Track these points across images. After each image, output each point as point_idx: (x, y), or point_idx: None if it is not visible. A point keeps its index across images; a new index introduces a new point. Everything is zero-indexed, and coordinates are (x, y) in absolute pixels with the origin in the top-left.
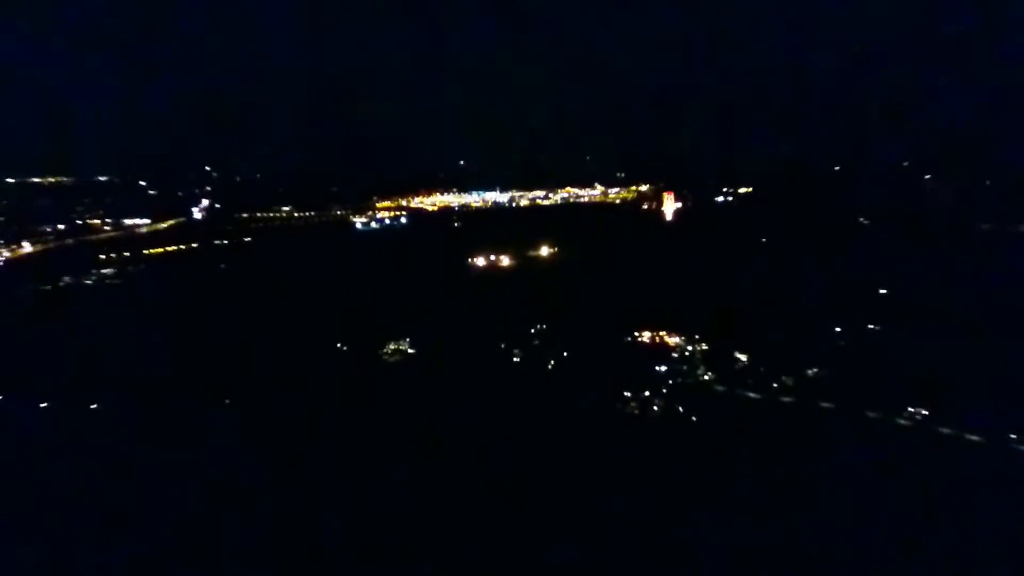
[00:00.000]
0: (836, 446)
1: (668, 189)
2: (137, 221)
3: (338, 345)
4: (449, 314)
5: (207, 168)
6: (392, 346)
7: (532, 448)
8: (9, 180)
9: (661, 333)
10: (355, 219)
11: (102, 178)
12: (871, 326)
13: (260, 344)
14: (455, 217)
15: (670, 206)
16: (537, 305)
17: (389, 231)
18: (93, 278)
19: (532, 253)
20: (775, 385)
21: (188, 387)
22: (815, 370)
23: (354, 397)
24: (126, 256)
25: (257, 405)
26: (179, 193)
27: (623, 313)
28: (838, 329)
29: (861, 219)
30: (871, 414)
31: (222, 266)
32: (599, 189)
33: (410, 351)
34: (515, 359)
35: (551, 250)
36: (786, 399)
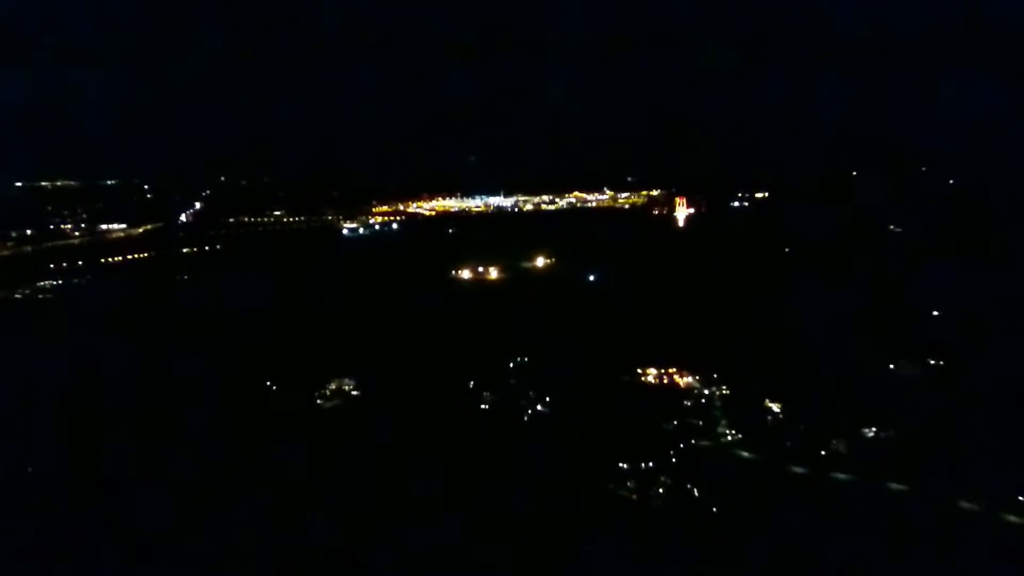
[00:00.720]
0: (919, 550)
1: (680, 194)
2: (112, 226)
3: (267, 383)
4: (413, 341)
5: (216, 171)
6: (333, 385)
7: (484, 555)
8: (17, 184)
9: (670, 371)
10: (345, 224)
11: (110, 181)
12: (933, 361)
13: (165, 379)
14: (451, 222)
15: (682, 212)
16: (520, 330)
17: (375, 238)
18: (26, 291)
19: (524, 264)
20: (822, 452)
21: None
22: (874, 430)
23: (264, 461)
24: (78, 266)
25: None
26: (176, 197)
27: (623, 343)
28: (892, 367)
29: (892, 226)
30: (966, 504)
31: (178, 276)
32: (608, 194)
33: (353, 393)
34: (483, 406)
35: (546, 261)
36: (840, 476)
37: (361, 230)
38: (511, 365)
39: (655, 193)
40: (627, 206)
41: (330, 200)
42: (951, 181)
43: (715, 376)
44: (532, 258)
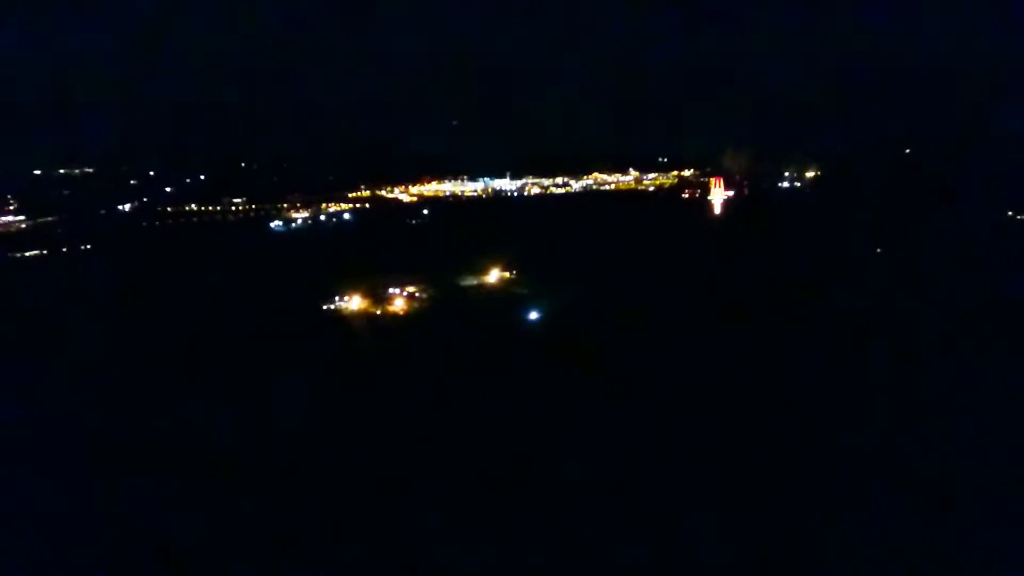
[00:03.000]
0: None
1: (716, 175)
2: (8, 219)
3: None
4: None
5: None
6: None
7: None
8: (36, 172)
9: None
10: (287, 214)
11: (125, 168)
12: None
13: None
14: (424, 212)
15: (719, 195)
16: (383, 460)
17: (305, 234)
18: None
19: (470, 281)
20: None
21: None
22: None
23: None
24: None
25: None
26: (156, 184)
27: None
28: None
29: (1011, 212)
30: None
31: None
32: (632, 175)
33: None
34: None
35: (502, 275)
36: None
37: (296, 223)
38: None
39: (687, 173)
40: (651, 188)
41: (311, 185)
42: None
43: None
44: (483, 271)
